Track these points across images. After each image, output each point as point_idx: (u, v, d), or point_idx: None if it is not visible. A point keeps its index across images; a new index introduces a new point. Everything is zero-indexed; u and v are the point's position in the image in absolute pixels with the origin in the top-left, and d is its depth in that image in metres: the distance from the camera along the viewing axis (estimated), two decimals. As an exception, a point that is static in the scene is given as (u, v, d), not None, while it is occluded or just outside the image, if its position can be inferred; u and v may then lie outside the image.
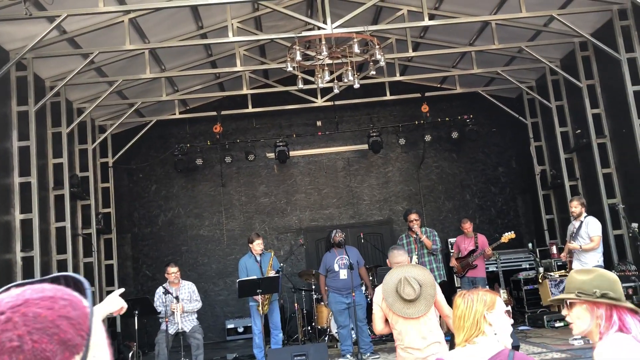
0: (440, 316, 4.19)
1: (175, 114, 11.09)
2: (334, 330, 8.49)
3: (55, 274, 0.87)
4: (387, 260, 4.68)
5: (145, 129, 11.02)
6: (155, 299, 7.12)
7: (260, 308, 7.38)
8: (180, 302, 7.06)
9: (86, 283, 0.85)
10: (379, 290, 4.13)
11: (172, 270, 7.22)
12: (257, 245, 7.59)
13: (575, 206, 7.21)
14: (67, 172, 8.73)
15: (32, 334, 0.71)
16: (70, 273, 0.87)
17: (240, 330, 10.49)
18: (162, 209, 11.76)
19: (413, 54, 9.65)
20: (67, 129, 8.85)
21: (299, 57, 7.37)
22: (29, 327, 0.72)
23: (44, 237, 8.02)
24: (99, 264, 10.19)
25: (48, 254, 8.18)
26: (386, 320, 4.13)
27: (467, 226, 8.74)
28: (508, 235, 8.27)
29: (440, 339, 4.00)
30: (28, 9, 5.20)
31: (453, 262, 8.71)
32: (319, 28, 7.71)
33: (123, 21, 7.72)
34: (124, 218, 11.53)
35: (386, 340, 8.83)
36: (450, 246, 10.21)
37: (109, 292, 10.35)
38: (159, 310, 7.04)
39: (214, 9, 8.37)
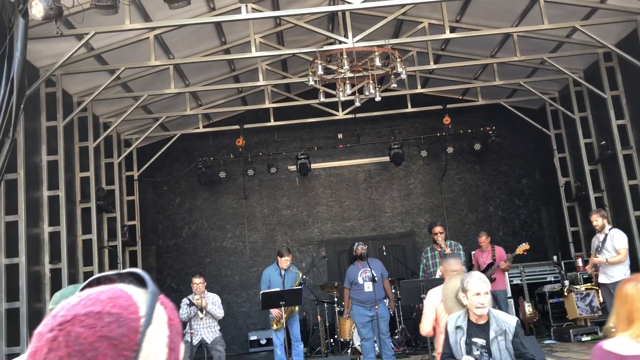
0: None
1: (199, 128, 11.25)
2: (356, 342, 8.47)
3: (128, 269, 0.82)
4: (441, 268, 4.82)
5: (170, 142, 11.21)
6: (180, 310, 7.20)
7: (275, 324, 7.43)
8: (204, 313, 7.14)
9: (151, 285, 0.79)
10: (436, 291, 4.21)
11: (196, 281, 7.30)
12: (285, 262, 7.63)
13: (596, 219, 7.11)
14: (93, 186, 8.90)
15: (71, 357, 0.68)
16: (139, 271, 0.81)
17: (263, 342, 10.52)
18: (185, 221, 11.90)
19: (434, 66, 9.67)
20: (94, 143, 9.05)
21: (320, 71, 7.45)
22: (70, 348, 0.69)
23: (71, 249, 8.18)
24: (124, 276, 10.31)
25: (75, 266, 8.33)
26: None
27: (483, 240, 8.66)
28: (522, 247, 8.14)
29: None
30: (59, 28, 5.37)
31: None
32: (340, 42, 7.79)
33: (148, 38, 7.90)
34: (148, 230, 11.69)
35: (409, 354, 8.78)
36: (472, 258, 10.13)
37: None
38: (183, 321, 7.12)
39: (237, 25, 8.51)
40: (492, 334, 3.56)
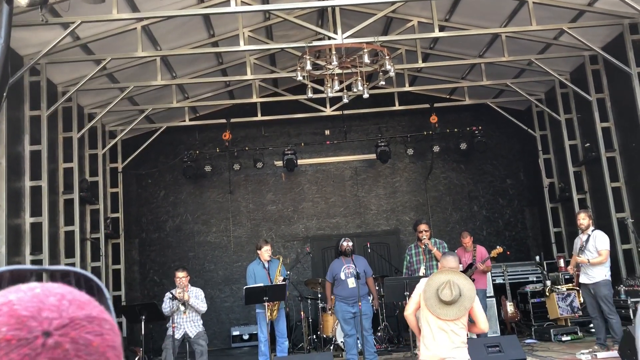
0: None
1: (185, 121, 11.16)
2: (339, 339, 8.48)
3: (65, 267, 0.72)
4: (439, 264, 4.94)
5: (155, 135, 11.10)
6: (163, 304, 7.14)
7: (268, 314, 7.39)
8: (187, 308, 7.09)
9: (106, 291, 0.71)
10: (424, 281, 4.38)
11: (180, 275, 7.25)
12: (266, 252, 7.62)
13: (583, 218, 7.19)
14: (77, 177, 8.79)
15: None
16: (83, 271, 0.71)
17: (246, 337, 10.49)
18: (170, 214, 11.82)
19: (423, 64, 9.68)
20: (78, 134, 8.93)
21: (309, 67, 7.43)
22: (81, 358, 0.60)
23: (53, 240, 8.08)
24: (106, 269, 10.24)
25: (56, 258, 8.23)
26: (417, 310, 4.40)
27: (467, 241, 8.66)
28: (496, 251, 8.20)
29: (463, 346, 4.13)
30: (45, 15, 5.28)
31: None
32: (330, 38, 7.76)
33: (136, 28, 7.80)
34: (132, 223, 11.59)
35: (391, 351, 8.81)
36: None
37: (115, 297, 10.44)
38: (166, 315, 7.06)
39: (226, 17, 8.45)
40: None
